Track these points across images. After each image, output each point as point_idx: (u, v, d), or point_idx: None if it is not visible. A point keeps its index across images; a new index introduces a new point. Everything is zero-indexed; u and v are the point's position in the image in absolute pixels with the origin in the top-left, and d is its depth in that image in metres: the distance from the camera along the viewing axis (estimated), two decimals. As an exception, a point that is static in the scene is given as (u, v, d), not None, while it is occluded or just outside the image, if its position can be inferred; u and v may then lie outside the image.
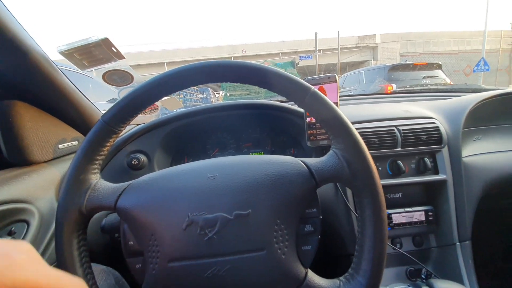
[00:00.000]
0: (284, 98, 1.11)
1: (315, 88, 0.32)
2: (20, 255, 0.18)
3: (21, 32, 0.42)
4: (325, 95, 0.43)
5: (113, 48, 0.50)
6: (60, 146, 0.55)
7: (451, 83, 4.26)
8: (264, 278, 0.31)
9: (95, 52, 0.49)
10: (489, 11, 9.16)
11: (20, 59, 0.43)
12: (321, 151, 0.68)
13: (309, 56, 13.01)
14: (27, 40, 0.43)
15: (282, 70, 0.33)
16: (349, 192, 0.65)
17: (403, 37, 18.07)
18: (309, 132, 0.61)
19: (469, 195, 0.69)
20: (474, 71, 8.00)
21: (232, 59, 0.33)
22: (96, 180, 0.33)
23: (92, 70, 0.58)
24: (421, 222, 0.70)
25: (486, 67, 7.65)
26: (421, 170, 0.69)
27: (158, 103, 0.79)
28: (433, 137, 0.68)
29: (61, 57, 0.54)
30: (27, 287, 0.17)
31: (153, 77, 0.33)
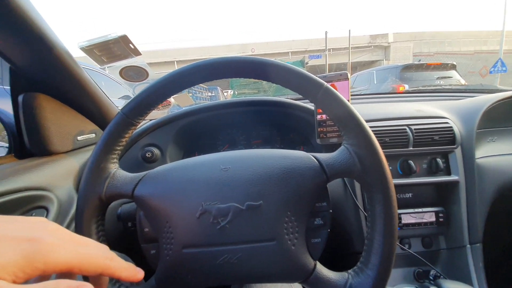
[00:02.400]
0: (294, 96, 1.11)
1: (328, 84, 0.33)
2: (49, 238, 0.19)
3: (47, 29, 0.44)
4: (337, 92, 0.43)
5: (130, 45, 0.52)
6: (79, 138, 0.57)
7: (466, 84, 4.14)
8: (274, 267, 0.31)
9: (113, 49, 0.51)
10: (507, 10, 8.82)
11: (44, 54, 0.46)
12: (331, 149, 0.68)
13: (319, 55, 12.90)
14: (51, 36, 0.45)
15: (295, 66, 0.34)
16: (357, 190, 0.65)
17: (417, 36, 17.63)
18: (319, 129, 0.61)
19: (481, 197, 0.68)
20: (490, 72, 7.71)
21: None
22: (115, 169, 0.35)
23: (106, 68, 0.60)
24: (431, 223, 0.69)
25: (504, 68, 7.36)
26: (433, 170, 0.68)
27: (170, 99, 0.81)
28: (446, 137, 0.67)
29: (78, 54, 0.57)
30: (59, 267, 0.18)
31: (170, 72, 0.34)
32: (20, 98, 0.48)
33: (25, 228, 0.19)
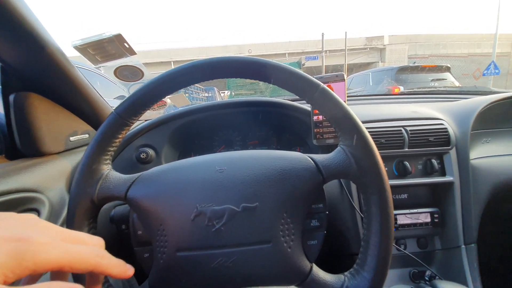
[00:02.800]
0: (290, 97, 1.11)
1: (324, 85, 0.33)
2: (39, 237, 0.19)
3: (39, 26, 0.43)
4: (333, 93, 0.43)
5: (125, 44, 0.51)
6: (72, 138, 0.56)
7: (460, 86, 4.21)
8: (270, 270, 0.31)
9: (108, 48, 0.51)
10: (500, 14, 8.98)
11: (36, 53, 0.45)
12: (327, 150, 0.68)
13: (315, 56, 12.98)
14: (44, 35, 0.44)
15: (291, 67, 0.33)
16: (354, 191, 0.65)
17: (412, 39, 17.86)
18: (315, 130, 0.61)
19: (476, 198, 0.69)
20: (484, 74, 7.85)
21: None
22: (108, 170, 0.34)
23: (100, 67, 0.59)
24: (426, 223, 0.69)
25: (496, 71, 7.50)
26: (428, 171, 0.68)
27: (166, 99, 0.80)
28: (441, 138, 0.67)
29: (72, 54, 0.56)
30: (49, 266, 0.18)
31: (164, 72, 0.34)
32: (11, 97, 0.47)
33: (15, 227, 0.19)
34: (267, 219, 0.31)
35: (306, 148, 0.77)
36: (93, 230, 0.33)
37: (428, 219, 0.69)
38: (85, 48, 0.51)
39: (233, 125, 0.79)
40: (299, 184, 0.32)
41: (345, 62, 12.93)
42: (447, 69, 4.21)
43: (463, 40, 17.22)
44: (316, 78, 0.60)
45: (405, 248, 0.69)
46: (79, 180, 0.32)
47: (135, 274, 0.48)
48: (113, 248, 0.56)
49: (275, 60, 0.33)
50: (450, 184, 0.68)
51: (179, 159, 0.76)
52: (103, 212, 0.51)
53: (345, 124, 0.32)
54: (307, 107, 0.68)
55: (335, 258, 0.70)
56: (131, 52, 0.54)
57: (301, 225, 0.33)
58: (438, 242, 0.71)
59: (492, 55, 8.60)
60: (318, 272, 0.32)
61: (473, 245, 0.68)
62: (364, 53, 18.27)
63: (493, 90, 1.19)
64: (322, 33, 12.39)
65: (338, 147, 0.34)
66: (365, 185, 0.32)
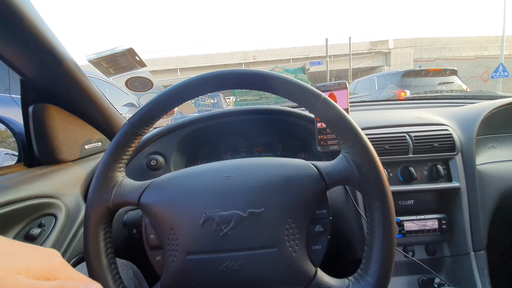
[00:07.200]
0: (294, 104, 1.13)
1: (325, 95, 0.34)
2: (57, 259, 0.23)
3: (57, 43, 0.46)
4: (336, 101, 0.45)
5: (136, 57, 0.54)
6: (86, 146, 0.59)
7: (468, 89, 4.14)
8: (276, 274, 0.32)
9: (120, 61, 0.53)
10: (507, 15, 8.87)
11: (54, 67, 0.48)
12: (331, 156, 0.69)
13: (319, 62, 13.03)
14: (61, 50, 0.47)
15: (294, 78, 0.35)
16: (359, 197, 0.65)
17: (417, 42, 17.77)
18: (319, 137, 0.62)
19: (483, 204, 0.68)
20: (492, 77, 7.72)
21: (243, 65, 0.35)
22: (122, 177, 0.36)
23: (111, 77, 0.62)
24: (434, 230, 0.68)
25: (505, 73, 7.36)
26: (433, 177, 0.68)
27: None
28: (446, 144, 0.67)
29: (81, 63, 0.58)
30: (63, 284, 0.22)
31: (174, 84, 0.36)
32: (30, 109, 0.50)
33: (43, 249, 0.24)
34: (273, 224, 0.32)
35: (310, 154, 0.78)
36: (109, 234, 0.35)
37: (436, 226, 0.69)
38: (99, 62, 0.54)
39: (239, 132, 0.81)
40: (303, 191, 0.33)
41: (350, 66, 12.93)
42: (454, 72, 4.16)
43: (469, 42, 17.03)
44: (319, 86, 0.62)
45: (413, 255, 0.68)
46: (95, 187, 0.34)
47: (147, 276, 0.49)
48: (125, 251, 0.58)
49: (280, 66, 0.34)
50: (456, 190, 0.67)
51: (187, 165, 0.78)
52: (116, 217, 0.53)
53: (346, 132, 0.33)
54: (311, 114, 0.69)
55: (342, 264, 0.70)
56: (142, 64, 0.56)
57: (306, 230, 0.34)
58: (447, 249, 0.70)
59: (500, 57, 8.46)
60: (323, 276, 0.33)
61: (482, 251, 0.67)
62: (369, 57, 18.24)
63: (499, 95, 1.19)
64: (326, 39, 12.48)
65: (340, 154, 0.35)
66: (367, 192, 0.32)
